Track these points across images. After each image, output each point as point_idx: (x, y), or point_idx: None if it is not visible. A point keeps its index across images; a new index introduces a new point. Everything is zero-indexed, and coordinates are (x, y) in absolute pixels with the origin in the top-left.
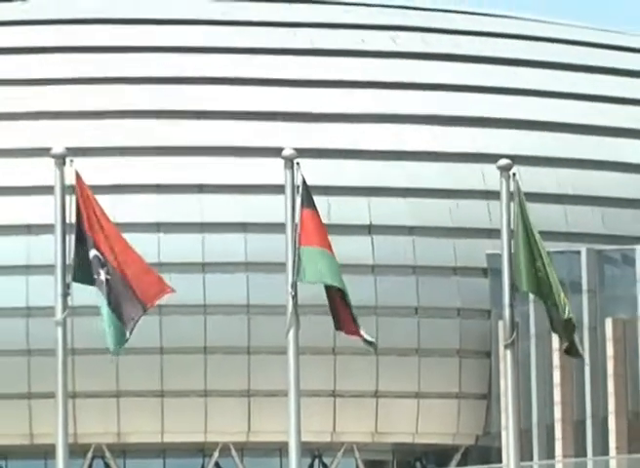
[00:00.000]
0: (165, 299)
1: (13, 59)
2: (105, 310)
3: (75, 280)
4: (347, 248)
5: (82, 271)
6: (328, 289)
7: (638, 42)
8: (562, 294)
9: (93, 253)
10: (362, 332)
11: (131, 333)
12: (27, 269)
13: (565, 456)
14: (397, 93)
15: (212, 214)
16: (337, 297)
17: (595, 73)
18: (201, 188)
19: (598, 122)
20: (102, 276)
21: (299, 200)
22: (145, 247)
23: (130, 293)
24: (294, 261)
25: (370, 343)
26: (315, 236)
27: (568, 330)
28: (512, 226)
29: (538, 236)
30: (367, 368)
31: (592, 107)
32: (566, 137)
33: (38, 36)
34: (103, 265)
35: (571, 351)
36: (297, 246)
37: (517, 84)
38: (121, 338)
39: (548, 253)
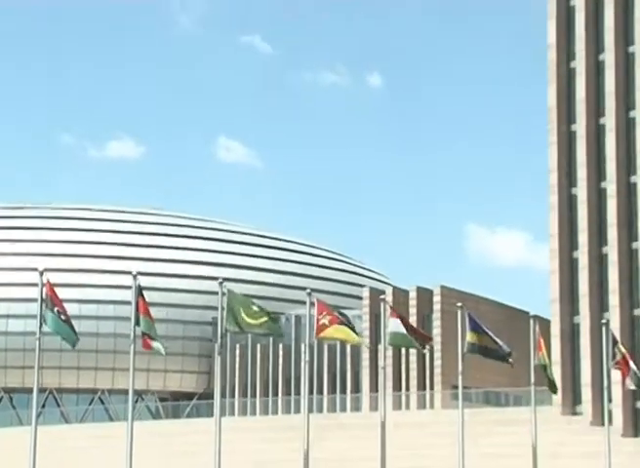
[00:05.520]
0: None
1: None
2: (64, 329)
3: (46, 323)
4: (161, 314)
5: (47, 318)
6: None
7: (233, 227)
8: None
9: (56, 308)
10: (153, 346)
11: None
12: (26, 317)
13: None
14: (177, 251)
15: (104, 295)
16: (145, 337)
17: (224, 242)
18: (97, 286)
19: (245, 264)
20: (61, 316)
21: (137, 292)
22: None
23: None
24: (136, 319)
25: (161, 350)
26: (143, 309)
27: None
28: (224, 305)
29: (245, 307)
30: (160, 362)
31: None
32: (238, 271)
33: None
34: (61, 313)
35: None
36: (139, 312)
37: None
38: (71, 338)
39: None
